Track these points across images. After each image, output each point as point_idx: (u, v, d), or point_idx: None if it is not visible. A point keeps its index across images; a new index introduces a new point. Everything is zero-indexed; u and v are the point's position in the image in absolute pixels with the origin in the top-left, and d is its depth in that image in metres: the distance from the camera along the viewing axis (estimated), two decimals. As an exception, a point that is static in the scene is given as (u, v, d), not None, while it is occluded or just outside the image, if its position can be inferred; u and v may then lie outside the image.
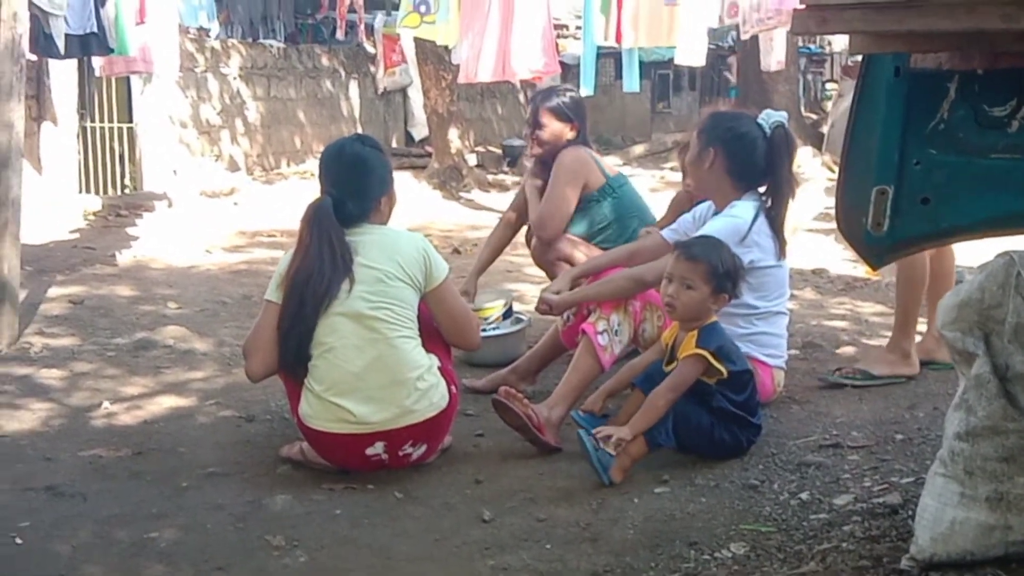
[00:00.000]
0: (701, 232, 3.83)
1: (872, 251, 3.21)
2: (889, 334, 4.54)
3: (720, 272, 3.53)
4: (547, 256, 4.84)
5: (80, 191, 10.29)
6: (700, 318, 3.53)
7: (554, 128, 4.79)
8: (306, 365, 3.45)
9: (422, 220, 9.52)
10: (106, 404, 4.23)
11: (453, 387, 3.57)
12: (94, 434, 3.93)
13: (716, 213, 4.03)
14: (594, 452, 3.33)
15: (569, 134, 4.79)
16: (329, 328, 3.40)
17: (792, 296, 5.03)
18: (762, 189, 4.02)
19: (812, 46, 22.99)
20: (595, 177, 4.74)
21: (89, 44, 7.30)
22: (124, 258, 7.49)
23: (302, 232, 3.48)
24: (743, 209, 3.91)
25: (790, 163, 4.05)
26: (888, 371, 4.30)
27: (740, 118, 4.11)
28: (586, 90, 9.95)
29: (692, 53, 9.41)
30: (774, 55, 10.84)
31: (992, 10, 2.14)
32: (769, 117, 4.03)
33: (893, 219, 2.91)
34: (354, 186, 3.52)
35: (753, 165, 3.98)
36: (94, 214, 9.26)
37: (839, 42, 22.50)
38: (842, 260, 7.05)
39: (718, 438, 3.48)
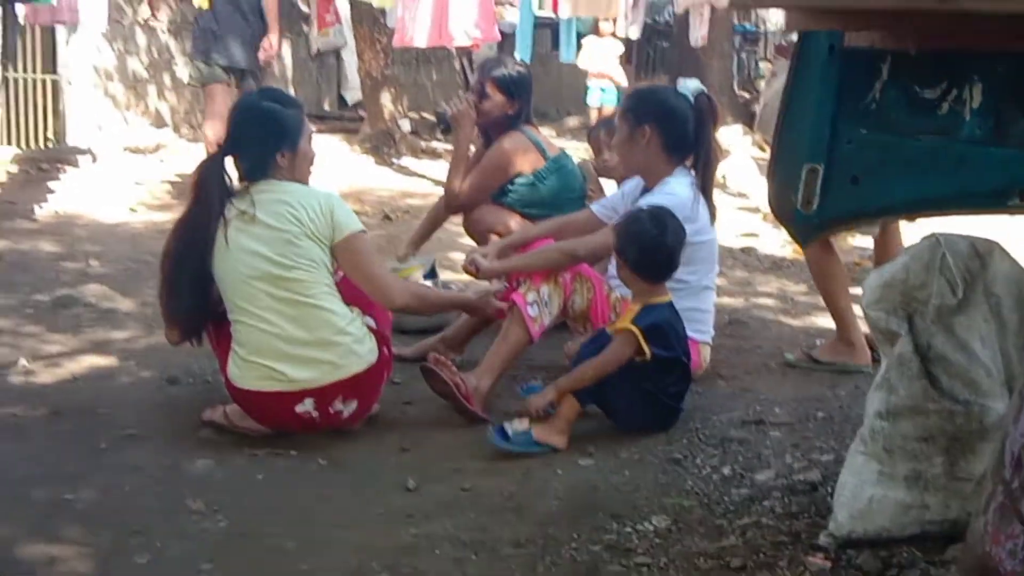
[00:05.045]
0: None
1: (802, 229, 3.24)
2: (816, 313, 4.60)
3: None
4: (480, 227, 4.88)
5: (1, 143, 10.01)
6: (643, 295, 3.55)
7: (496, 100, 4.87)
8: (203, 319, 3.53)
9: (353, 185, 9.41)
10: (24, 362, 4.14)
11: (385, 349, 3.54)
12: (11, 392, 3.84)
13: (646, 190, 4.04)
14: (515, 445, 3.34)
15: (510, 110, 4.84)
16: (245, 294, 3.38)
17: (721, 273, 5.06)
18: (688, 162, 4.04)
19: (747, 24, 23.09)
20: (531, 161, 4.84)
21: (13, -8, 7.11)
22: (46, 213, 7.31)
23: (191, 187, 3.55)
24: (678, 186, 3.93)
25: (715, 130, 4.09)
26: (828, 358, 4.28)
27: (665, 92, 4.14)
28: (522, 59, 9.92)
29: (629, 25, 9.40)
30: (701, 30, 10.85)
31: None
32: (687, 86, 4.05)
33: (823, 197, 2.94)
34: (248, 139, 3.51)
35: (685, 137, 4.00)
36: (16, 167, 9.01)
37: (773, 21, 22.65)
38: (771, 239, 7.11)
39: (637, 414, 3.51)
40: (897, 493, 2.49)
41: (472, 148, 5.11)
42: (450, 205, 5.05)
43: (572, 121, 15.49)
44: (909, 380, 2.50)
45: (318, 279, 3.38)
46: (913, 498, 2.48)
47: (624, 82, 13.08)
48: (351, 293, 3.49)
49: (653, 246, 3.54)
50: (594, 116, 12.75)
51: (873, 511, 2.50)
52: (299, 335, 3.36)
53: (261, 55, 7.62)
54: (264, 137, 3.49)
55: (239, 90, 7.37)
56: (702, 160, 4.03)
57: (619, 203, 4.17)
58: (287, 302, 3.36)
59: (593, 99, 13.24)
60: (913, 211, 3.41)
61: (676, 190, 3.91)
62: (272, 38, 7.69)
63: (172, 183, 8.69)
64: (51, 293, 5.12)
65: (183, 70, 11.94)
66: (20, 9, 8.75)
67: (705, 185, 4.01)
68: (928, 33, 2.60)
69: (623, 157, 4.21)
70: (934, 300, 2.52)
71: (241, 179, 3.52)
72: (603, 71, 13.04)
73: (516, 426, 3.38)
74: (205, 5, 7.39)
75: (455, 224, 5.35)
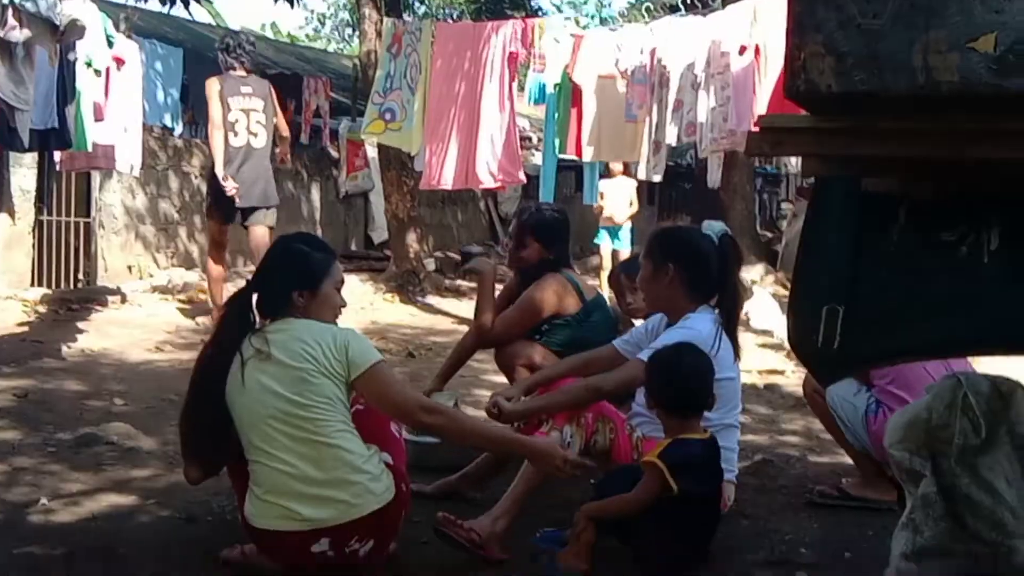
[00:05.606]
0: (659, 344, 3.86)
1: (824, 368, 3.23)
2: (843, 452, 4.57)
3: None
4: (509, 361, 4.87)
5: (32, 284, 10.19)
6: (674, 431, 3.56)
7: (534, 248, 4.94)
8: (221, 456, 3.53)
9: (378, 323, 9.49)
10: (44, 500, 4.13)
11: (403, 485, 3.51)
12: (30, 531, 3.82)
13: (669, 325, 4.06)
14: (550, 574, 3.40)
15: (548, 255, 4.91)
16: (262, 433, 3.37)
17: (744, 411, 5.03)
18: (712, 301, 4.07)
19: (768, 167, 23.44)
20: (569, 303, 4.87)
21: (48, 138, 7.34)
22: (73, 352, 7.39)
23: (216, 322, 3.55)
24: (699, 322, 3.94)
25: (738, 270, 4.14)
26: (857, 493, 4.30)
27: (690, 232, 4.20)
28: (545, 200, 10.08)
29: (652, 169, 9.57)
30: (717, 173, 11.04)
31: (940, 139, 2.19)
32: (712, 228, 4.11)
33: (844, 337, 2.93)
34: (270, 278, 3.59)
35: (709, 276, 4.04)
36: (45, 307, 9.15)
37: (794, 163, 22.97)
38: (795, 376, 7.09)
39: (660, 551, 3.46)
40: (926, 638, 2.44)
41: (500, 286, 5.16)
42: (482, 340, 5.06)
43: (595, 260, 15.64)
44: (934, 521, 2.47)
45: (334, 417, 3.38)
46: (943, 643, 2.43)
47: (620, 218, 12.68)
48: (368, 429, 3.48)
49: (678, 381, 3.58)
50: (608, 258, 12.72)
51: (902, 656, 2.44)
52: (315, 475, 3.33)
53: (278, 163, 9.01)
54: (285, 276, 3.54)
55: (248, 225, 8.58)
56: (727, 300, 4.06)
57: (642, 338, 4.19)
58: (303, 441, 3.34)
59: (603, 240, 12.95)
60: (935, 352, 3.40)
61: (696, 325, 3.93)
62: (284, 147, 8.99)
63: (200, 322, 8.79)
64: (74, 432, 5.13)
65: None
66: (57, 155, 9.01)
67: (729, 324, 4.03)
68: (945, 179, 2.65)
69: (647, 294, 4.24)
70: (957, 440, 2.51)
71: (262, 317, 3.56)
72: (611, 216, 12.72)
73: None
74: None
75: (479, 361, 5.37)
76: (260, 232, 8.48)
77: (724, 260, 4.06)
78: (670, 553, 3.46)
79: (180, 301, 9.95)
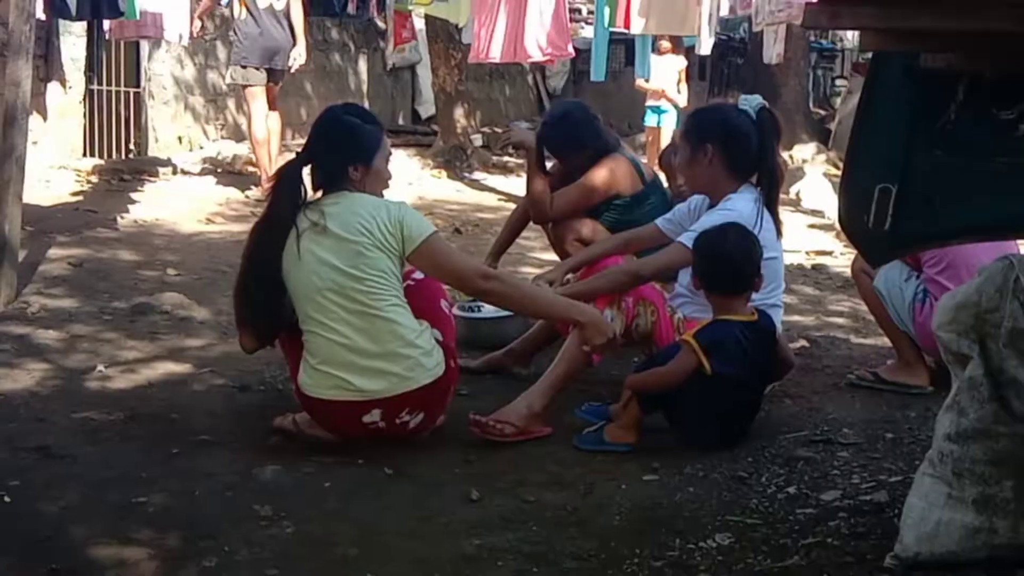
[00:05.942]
0: (699, 226, 3.84)
1: (874, 248, 3.20)
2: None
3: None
4: (562, 235, 4.83)
5: (84, 154, 10.25)
6: (719, 312, 3.59)
7: (576, 158, 4.82)
8: (276, 326, 3.58)
9: (425, 198, 9.50)
10: (101, 367, 4.24)
11: (452, 361, 3.57)
12: (88, 396, 3.94)
13: (712, 206, 4.02)
14: (583, 444, 3.51)
15: (584, 157, 4.80)
16: (317, 305, 3.42)
17: (791, 291, 5.01)
18: (753, 179, 4.02)
19: (824, 41, 22.85)
20: (627, 183, 4.79)
21: (99, 6, 7.30)
22: (126, 223, 7.47)
23: (269, 192, 3.65)
24: (740, 202, 3.89)
25: (778, 144, 4.07)
26: (891, 377, 4.29)
27: (727, 110, 4.11)
28: (596, 76, 9.95)
29: (702, 42, 9.39)
30: (776, 48, 10.77)
31: (1003, 11, 2.13)
32: (750, 102, 4.02)
33: (896, 218, 2.90)
34: (324, 150, 3.58)
35: (748, 154, 3.98)
36: (98, 177, 9.23)
37: (850, 38, 22.39)
38: (843, 257, 7.04)
39: (701, 429, 3.51)
40: (965, 516, 2.46)
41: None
42: (537, 217, 4.98)
43: (643, 137, 15.44)
44: (980, 403, 2.47)
45: (388, 291, 3.42)
46: (982, 522, 2.45)
47: (681, 102, 11.84)
48: (419, 305, 3.53)
49: (724, 262, 3.58)
50: (650, 137, 12.42)
51: (941, 534, 2.47)
52: (368, 347, 3.39)
53: (293, 66, 8.75)
54: (339, 149, 3.54)
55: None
56: (766, 176, 4.01)
57: (684, 217, 4.16)
58: (357, 314, 3.39)
59: (650, 120, 12.38)
60: (986, 233, 3.36)
61: (737, 206, 3.88)
62: (300, 49, 8.72)
63: (249, 195, 8.84)
64: (129, 301, 5.23)
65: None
66: (106, 24, 8.97)
67: (770, 201, 3.98)
68: (1005, 55, 2.57)
69: (687, 177, 4.21)
70: (1007, 323, 2.48)
71: (315, 189, 3.58)
72: (659, 91, 11.88)
73: (587, 429, 3.52)
74: (243, 15, 8.41)
75: (526, 239, 5.37)
76: (274, 94, 8.83)
77: (763, 135, 4.00)
78: (706, 430, 3.50)
79: (229, 173, 9.99)
